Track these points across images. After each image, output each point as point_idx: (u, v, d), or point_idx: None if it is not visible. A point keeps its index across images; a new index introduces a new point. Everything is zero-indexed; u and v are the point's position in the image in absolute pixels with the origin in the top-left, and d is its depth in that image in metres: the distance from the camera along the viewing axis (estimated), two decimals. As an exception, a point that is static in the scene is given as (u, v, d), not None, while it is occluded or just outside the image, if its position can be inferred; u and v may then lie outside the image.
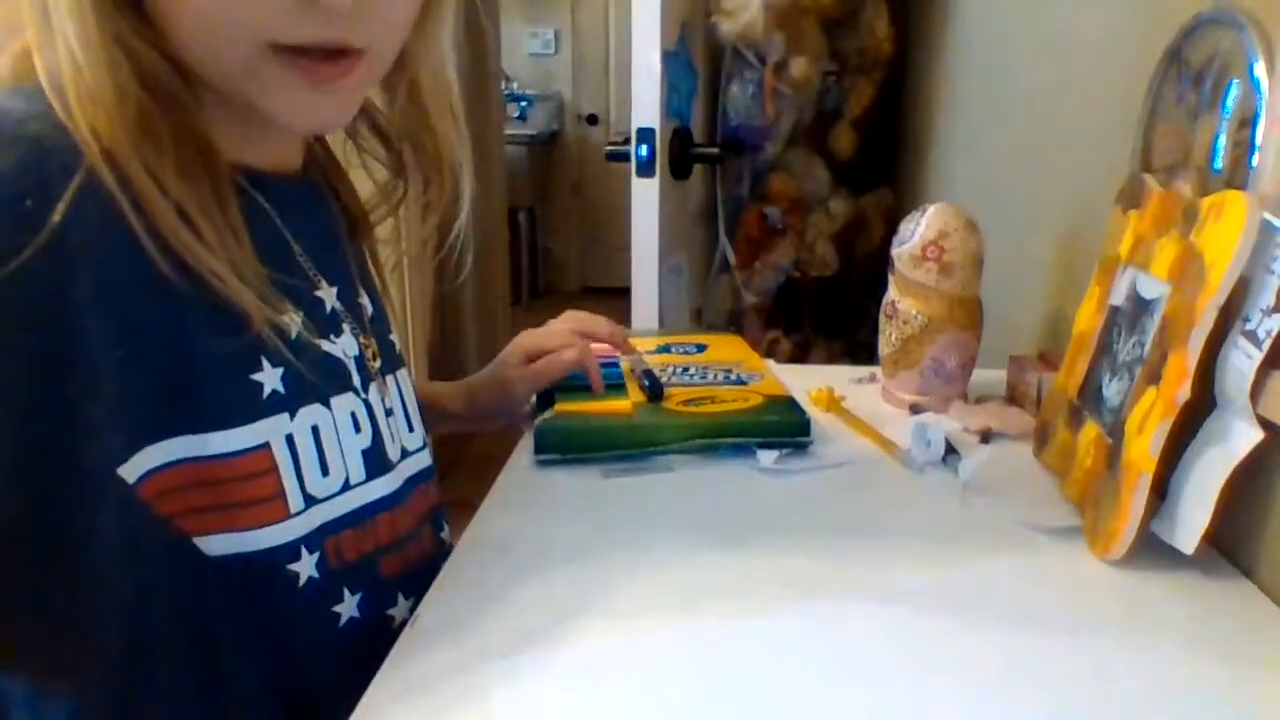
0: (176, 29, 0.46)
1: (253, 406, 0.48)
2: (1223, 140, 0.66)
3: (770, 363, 0.95)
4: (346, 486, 0.53)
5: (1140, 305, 0.65)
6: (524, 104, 5.08)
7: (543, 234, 5.22)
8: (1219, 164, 0.66)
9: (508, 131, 4.14)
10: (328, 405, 0.52)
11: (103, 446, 0.43)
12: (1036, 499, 0.69)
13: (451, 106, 0.61)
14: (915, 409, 0.88)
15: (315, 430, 0.51)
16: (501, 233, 3.49)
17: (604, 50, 5.07)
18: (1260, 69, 0.61)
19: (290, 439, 0.49)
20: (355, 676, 0.44)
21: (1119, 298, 0.69)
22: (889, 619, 0.53)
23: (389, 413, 0.59)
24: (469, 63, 3.12)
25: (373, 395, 0.57)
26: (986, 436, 0.82)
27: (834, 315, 2.14)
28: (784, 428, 0.77)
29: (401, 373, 0.64)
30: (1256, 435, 0.54)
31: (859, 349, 2.01)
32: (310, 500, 0.50)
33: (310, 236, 0.55)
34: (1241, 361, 0.55)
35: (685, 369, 0.89)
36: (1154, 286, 0.63)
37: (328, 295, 0.56)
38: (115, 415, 0.43)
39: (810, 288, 2.04)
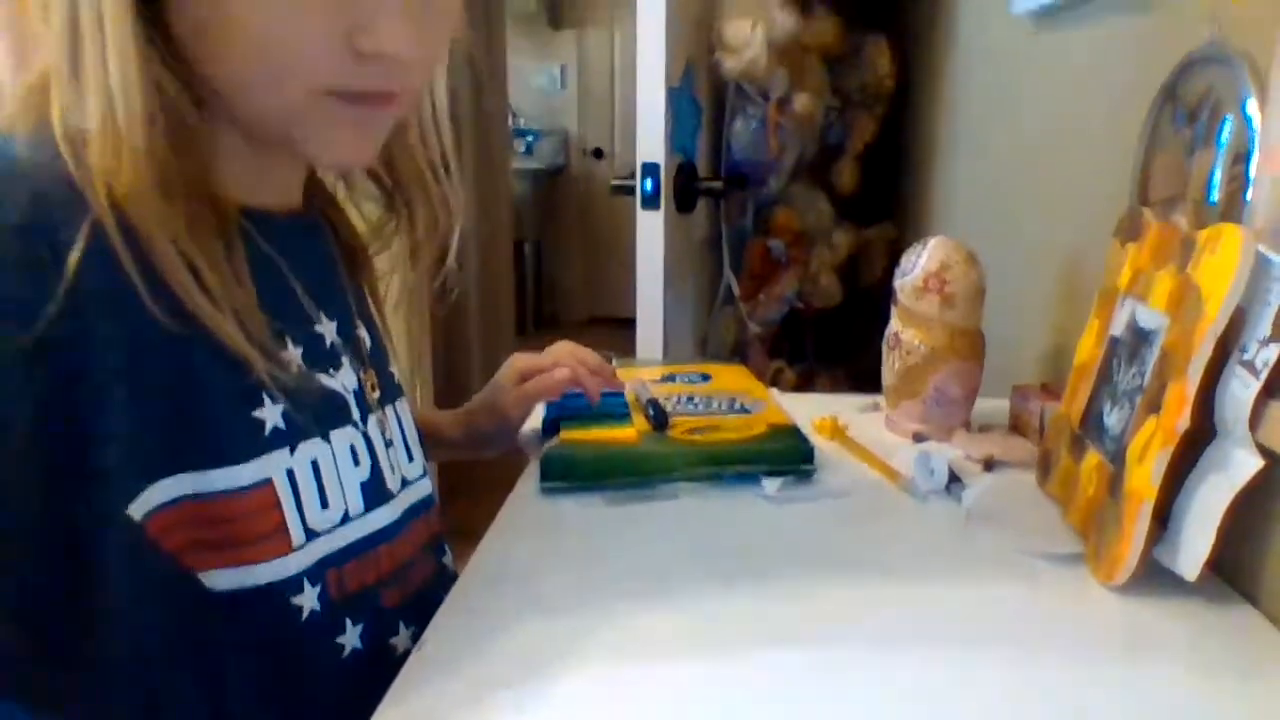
0: (218, 63, 0.45)
1: (255, 443, 0.48)
2: (1218, 174, 0.67)
3: (774, 392, 0.96)
4: (346, 519, 0.53)
5: (1139, 336, 0.66)
6: (530, 138, 5.14)
7: (548, 265, 5.26)
8: (1214, 198, 0.67)
9: (514, 165, 4.19)
10: (327, 439, 0.53)
11: (113, 488, 0.43)
12: (1039, 527, 0.70)
13: (443, 147, 0.61)
14: (918, 438, 0.89)
15: (315, 464, 0.51)
16: (507, 264, 3.52)
17: (609, 86, 5.14)
18: (1253, 106, 0.63)
19: (291, 474, 0.50)
20: (359, 706, 0.45)
21: (1119, 329, 0.70)
22: (893, 646, 0.53)
23: (388, 444, 0.59)
24: (477, 97, 3.16)
25: (372, 427, 0.57)
26: (989, 465, 0.82)
27: (837, 345, 2.15)
28: (788, 456, 0.78)
29: (401, 403, 0.64)
30: (1256, 463, 0.54)
31: (862, 378, 2.01)
32: (311, 534, 0.51)
33: (309, 272, 0.55)
34: (1240, 390, 0.56)
35: (690, 398, 0.90)
36: (1153, 318, 0.64)
37: (327, 330, 0.56)
38: (125, 456, 0.43)
39: (814, 318, 2.06)
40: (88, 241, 0.41)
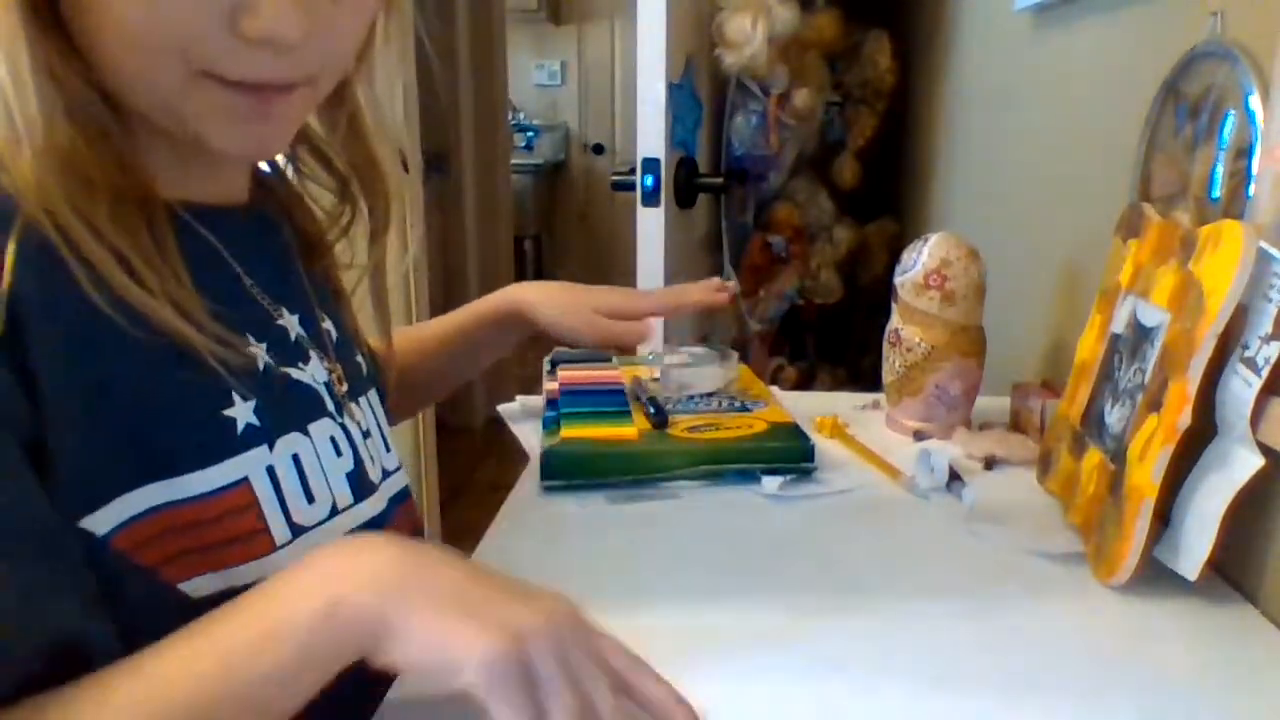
0: (102, 52, 0.43)
1: (227, 443, 0.47)
2: (1220, 171, 0.67)
3: (774, 389, 0.96)
4: (335, 511, 0.53)
5: (1141, 333, 0.65)
6: (531, 134, 5.13)
7: (549, 261, 5.26)
8: (1216, 194, 0.67)
9: (515, 161, 4.19)
10: (306, 433, 0.52)
11: (65, 502, 0.41)
12: (1040, 525, 0.69)
13: (392, 137, 0.59)
14: (919, 435, 0.89)
15: (296, 459, 0.50)
16: (508, 260, 3.52)
17: (610, 81, 5.13)
18: (1255, 101, 0.62)
19: (271, 470, 0.49)
20: (357, 701, 0.44)
21: (1120, 326, 0.69)
22: (892, 645, 0.53)
23: (366, 434, 0.59)
24: (477, 93, 3.16)
25: (347, 419, 0.57)
26: (990, 463, 0.82)
27: (838, 343, 2.15)
28: (788, 454, 0.78)
29: (372, 394, 0.63)
30: (1257, 461, 0.54)
31: (863, 376, 2.02)
32: (298, 530, 0.49)
33: (263, 267, 0.54)
34: (1241, 388, 0.55)
35: (690, 396, 0.90)
36: (1154, 314, 0.64)
37: (290, 324, 0.55)
38: (77, 470, 0.41)
39: (814, 315, 2.05)
40: (20, 245, 0.40)
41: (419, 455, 2.20)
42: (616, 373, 0.96)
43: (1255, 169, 0.62)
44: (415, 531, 0.64)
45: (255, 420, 0.48)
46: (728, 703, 0.47)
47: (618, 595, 0.58)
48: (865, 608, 0.57)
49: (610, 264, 5.12)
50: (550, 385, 0.93)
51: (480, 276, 3.31)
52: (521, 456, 0.84)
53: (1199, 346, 0.56)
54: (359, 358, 0.63)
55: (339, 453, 0.54)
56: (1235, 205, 0.64)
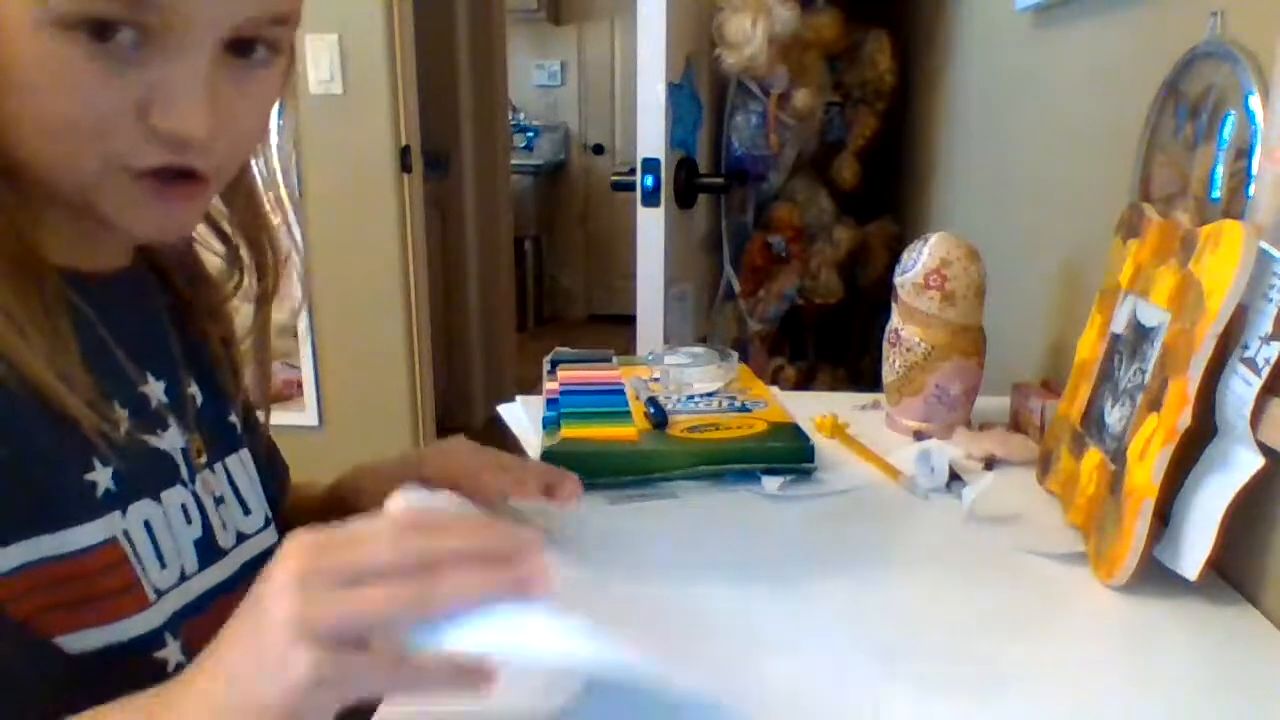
0: (18, 136, 0.45)
1: (91, 504, 0.47)
2: (1220, 170, 0.67)
3: (774, 389, 0.96)
4: (184, 577, 0.53)
5: (1141, 333, 0.65)
6: (531, 134, 5.13)
7: (549, 262, 5.26)
8: (1216, 194, 0.67)
9: (514, 161, 4.19)
10: (158, 500, 0.52)
11: None
12: (1040, 525, 0.69)
13: (282, 204, 0.61)
14: (919, 435, 0.89)
15: (148, 524, 0.51)
16: (508, 260, 3.52)
17: (610, 82, 5.13)
18: (1255, 102, 0.62)
19: (127, 534, 0.49)
20: None
21: (1120, 325, 0.69)
22: (893, 643, 0.53)
23: (220, 501, 0.59)
24: (477, 93, 3.16)
25: (199, 486, 0.57)
26: (990, 463, 0.82)
27: (838, 342, 2.15)
28: (788, 454, 0.78)
29: (243, 454, 0.63)
30: (1258, 461, 0.54)
31: (863, 376, 2.02)
32: (158, 591, 0.51)
33: (133, 332, 0.55)
34: (1241, 388, 0.55)
35: (690, 396, 0.90)
36: (1154, 314, 0.64)
37: (152, 390, 0.55)
38: None
39: (814, 315, 2.06)
40: None
41: (419, 455, 2.20)
42: (616, 373, 0.96)
43: (1255, 169, 0.62)
44: None
45: (112, 485, 0.49)
46: (728, 702, 0.47)
47: (618, 595, 0.58)
48: (865, 607, 0.57)
49: (610, 264, 5.12)
50: (550, 385, 0.93)
51: (480, 276, 3.30)
52: (521, 456, 0.84)
53: (1199, 346, 0.56)
54: (231, 417, 0.63)
55: (188, 520, 0.55)
56: (1235, 205, 0.64)
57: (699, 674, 0.49)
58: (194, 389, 0.60)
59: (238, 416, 0.64)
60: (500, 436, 0.93)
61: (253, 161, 0.58)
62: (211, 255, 0.63)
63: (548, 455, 0.75)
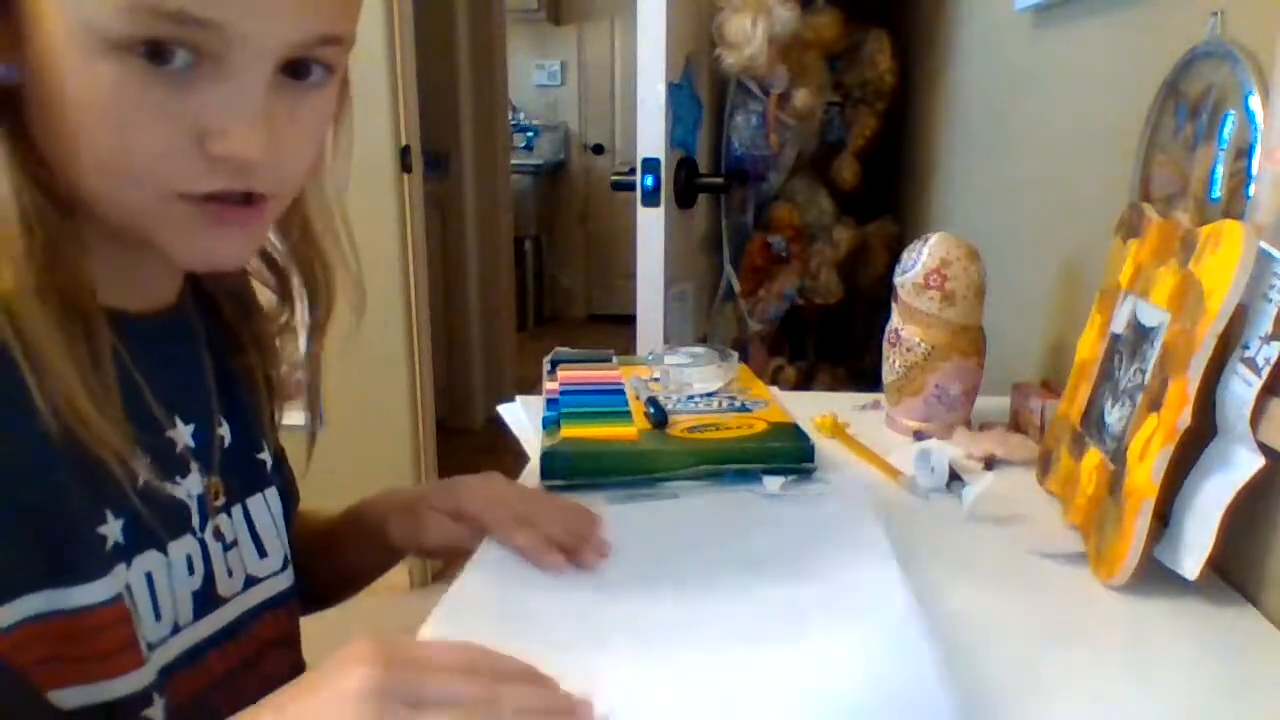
0: (72, 167, 0.45)
1: (101, 559, 0.47)
2: (1220, 170, 0.67)
3: (774, 389, 0.96)
4: (175, 630, 0.53)
5: (1141, 333, 0.65)
6: (531, 134, 5.14)
7: (549, 261, 5.26)
8: (1216, 194, 0.67)
9: (515, 161, 4.19)
10: (164, 551, 0.52)
11: None
12: (1040, 525, 0.69)
13: (341, 233, 0.61)
14: (919, 435, 0.89)
15: (149, 577, 0.50)
16: (508, 260, 3.52)
17: (609, 82, 5.13)
18: (1255, 102, 0.62)
19: (129, 588, 0.49)
20: None
21: (1120, 325, 0.69)
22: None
23: (230, 546, 0.58)
24: (477, 93, 3.16)
25: (209, 533, 0.56)
26: (990, 463, 0.82)
27: (838, 342, 2.15)
28: (788, 454, 0.78)
29: (269, 492, 0.62)
30: (1258, 461, 0.54)
31: (863, 376, 2.02)
32: (149, 646, 0.50)
33: (167, 375, 0.54)
34: (1241, 388, 0.55)
35: (690, 396, 0.90)
36: (1154, 314, 0.64)
37: (179, 435, 0.55)
38: None
39: (814, 315, 2.06)
40: None
41: (419, 455, 2.20)
42: (616, 373, 0.96)
43: (1255, 169, 0.62)
44: (284, 637, 0.62)
45: (121, 539, 0.48)
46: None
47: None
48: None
49: (610, 264, 5.12)
50: (550, 385, 0.93)
51: (480, 276, 3.31)
52: (521, 456, 0.84)
53: (1199, 346, 0.56)
54: (261, 454, 0.62)
55: (191, 570, 0.54)
56: (1235, 205, 0.64)
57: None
58: (224, 429, 0.59)
59: (270, 453, 0.63)
60: (500, 436, 0.93)
61: (310, 196, 0.58)
62: (264, 287, 0.63)
63: (548, 455, 0.75)
